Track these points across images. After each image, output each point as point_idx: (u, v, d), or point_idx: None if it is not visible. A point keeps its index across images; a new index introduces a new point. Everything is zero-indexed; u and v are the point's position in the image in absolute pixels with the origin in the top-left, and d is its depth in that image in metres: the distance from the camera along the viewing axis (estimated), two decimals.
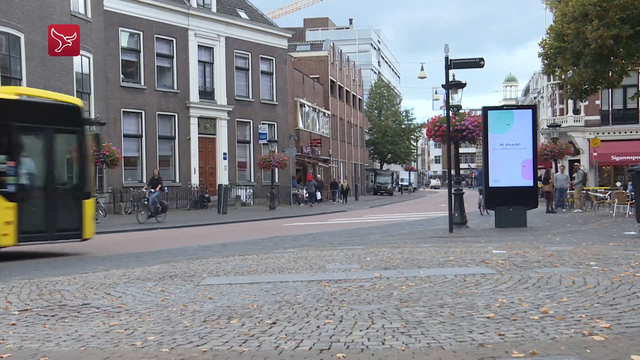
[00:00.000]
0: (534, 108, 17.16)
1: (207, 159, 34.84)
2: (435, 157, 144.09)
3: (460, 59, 15.75)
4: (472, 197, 43.14)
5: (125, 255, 12.43)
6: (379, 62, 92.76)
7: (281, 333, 4.57)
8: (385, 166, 78.14)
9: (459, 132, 16.94)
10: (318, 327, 4.73)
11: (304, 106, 46.37)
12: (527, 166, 15.98)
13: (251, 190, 36.76)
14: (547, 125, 34.79)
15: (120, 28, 30.14)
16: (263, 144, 36.01)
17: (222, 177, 34.74)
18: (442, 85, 16.87)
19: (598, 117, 40.71)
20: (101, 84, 28.71)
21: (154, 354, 4.16)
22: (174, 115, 32.71)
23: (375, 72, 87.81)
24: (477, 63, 15.50)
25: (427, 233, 15.74)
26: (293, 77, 43.70)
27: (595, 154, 36.61)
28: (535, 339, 4.15)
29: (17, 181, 12.31)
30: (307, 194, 40.02)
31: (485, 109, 16.40)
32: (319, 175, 46.47)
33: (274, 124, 38.52)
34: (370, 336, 4.38)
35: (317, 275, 7.65)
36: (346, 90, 61.42)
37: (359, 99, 68.66)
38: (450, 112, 16.61)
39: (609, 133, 39.85)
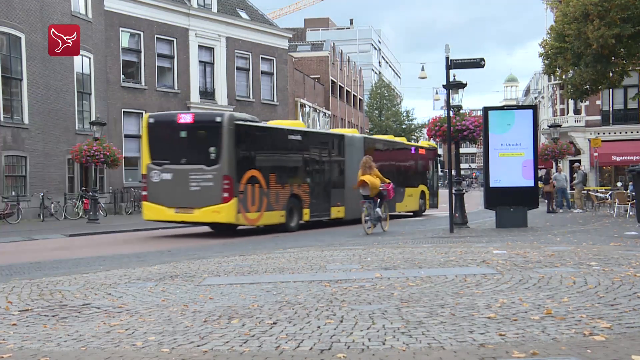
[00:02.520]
0: (534, 108, 17.15)
1: None
2: None
3: (461, 59, 15.73)
4: (472, 198, 43.14)
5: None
6: (379, 62, 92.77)
7: (282, 333, 4.57)
8: None
9: (460, 132, 16.95)
10: (319, 327, 4.73)
11: (305, 106, 46.37)
12: (527, 166, 15.98)
13: None
14: (548, 126, 34.77)
15: (120, 28, 30.15)
16: None
17: None
18: (443, 86, 16.85)
19: (599, 117, 40.66)
20: (102, 84, 28.73)
21: (154, 354, 4.16)
22: None
23: (375, 72, 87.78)
24: (478, 63, 15.49)
25: (428, 233, 15.74)
26: (294, 77, 43.70)
27: (596, 154, 36.58)
28: (536, 339, 4.15)
29: (429, 183, 28.01)
30: None
31: (486, 109, 16.39)
32: None
33: None
34: (371, 336, 4.38)
35: (317, 275, 7.64)
36: (347, 90, 61.41)
37: (360, 99, 68.65)
38: (451, 112, 16.60)
39: (609, 133, 39.81)
